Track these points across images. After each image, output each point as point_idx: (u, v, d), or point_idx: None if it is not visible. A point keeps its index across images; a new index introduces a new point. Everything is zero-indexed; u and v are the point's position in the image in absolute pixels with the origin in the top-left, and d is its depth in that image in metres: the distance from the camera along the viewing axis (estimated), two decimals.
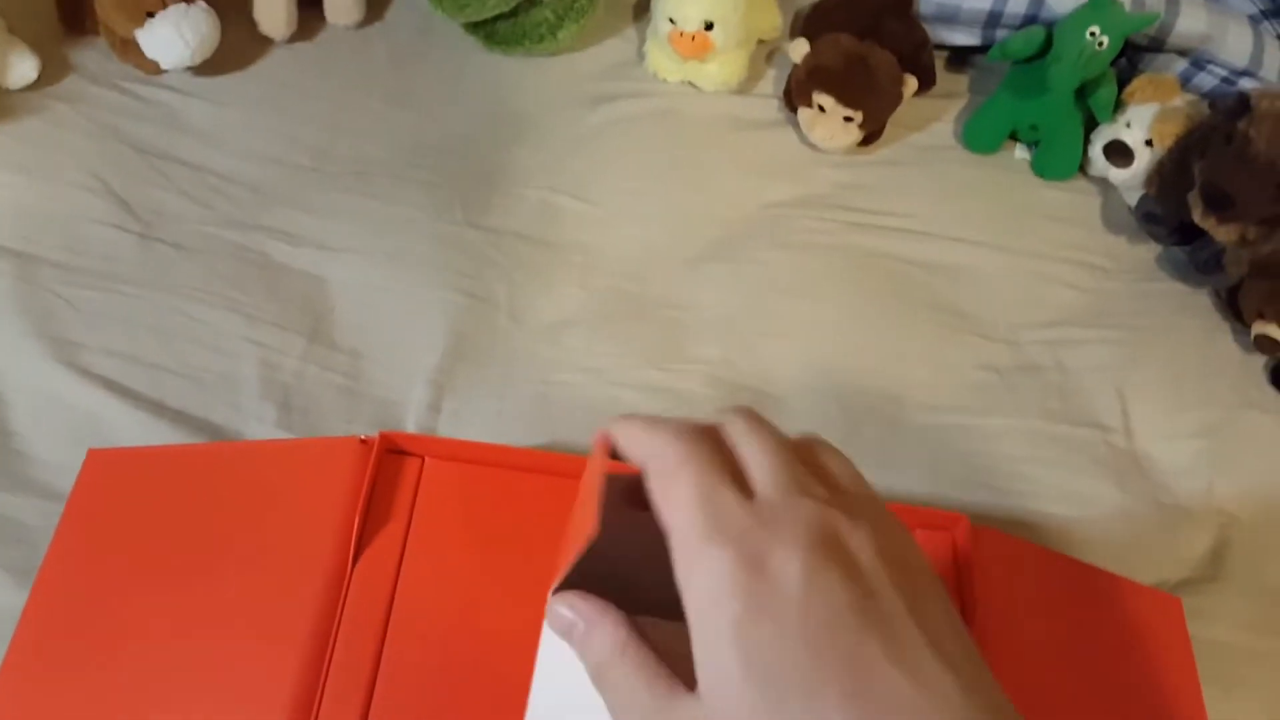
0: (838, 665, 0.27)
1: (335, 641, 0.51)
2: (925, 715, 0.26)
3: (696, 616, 0.29)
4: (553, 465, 0.59)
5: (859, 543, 0.29)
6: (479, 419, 0.70)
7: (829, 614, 0.27)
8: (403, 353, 0.72)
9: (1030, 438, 0.75)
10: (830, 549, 0.29)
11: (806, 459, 0.34)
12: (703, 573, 0.29)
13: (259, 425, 0.67)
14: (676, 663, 0.31)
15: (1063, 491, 0.72)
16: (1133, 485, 0.73)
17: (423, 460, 0.58)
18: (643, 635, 0.33)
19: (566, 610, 0.35)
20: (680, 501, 0.30)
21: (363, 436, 0.58)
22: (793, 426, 0.71)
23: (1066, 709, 0.57)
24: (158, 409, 0.66)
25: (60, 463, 0.63)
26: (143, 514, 0.57)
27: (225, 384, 0.68)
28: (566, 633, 0.34)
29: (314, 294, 0.74)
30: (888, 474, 0.71)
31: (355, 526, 0.54)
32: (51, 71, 0.81)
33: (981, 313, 0.81)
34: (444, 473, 0.58)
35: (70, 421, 0.65)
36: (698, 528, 0.29)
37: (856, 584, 0.28)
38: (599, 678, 0.32)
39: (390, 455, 0.58)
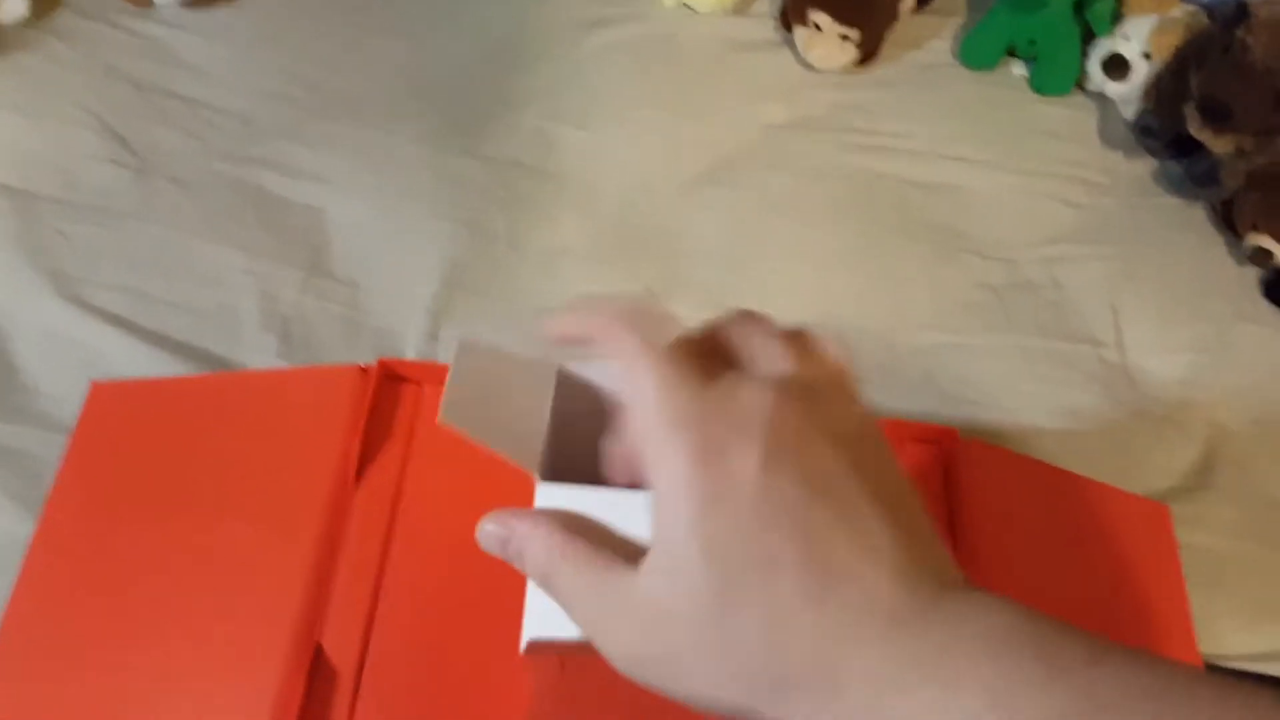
0: (792, 547, 0.28)
1: (338, 566, 0.53)
2: (874, 583, 0.28)
3: (659, 502, 0.30)
4: None
5: (818, 423, 0.30)
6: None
7: (784, 501, 0.28)
8: (401, 283, 0.73)
9: (1024, 354, 0.75)
10: (787, 437, 0.29)
11: (793, 342, 0.34)
12: (664, 460, 0.29)
13: (259, 356, 0.68)
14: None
15: (1054, 406, 0.73)
16: (1124, 398, 0.74)
17: (421, 387, 0.59)
18: (584, 526, 0.33)
19: (495, 527, 0.34)
20: (644, 389, 0.30)
21: (362, 365, 0.59)
22: None
23: (1053, 614, 0.58)
24: (159, 341, 0.67)
25: (63, 395, 0.64)
26: (147, 444, 0.58)
27: (225, 316, 0.69)
28: (501, 550, 0.34)
29: (311, 226, 0.74)
30: (883, 394, 0.72)
31: (355, 452, 0.55)
32: (43, 7, 0.81)
33: (979, 232, 0.81)
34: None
35: (73, 355, 0.66)
36: (662, 415, 0.30)
37: (812, 468, 0.29)
38: (546, 587, 0.32)
39: (389, 382, 0.59)
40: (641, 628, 0.29)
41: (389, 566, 0.53)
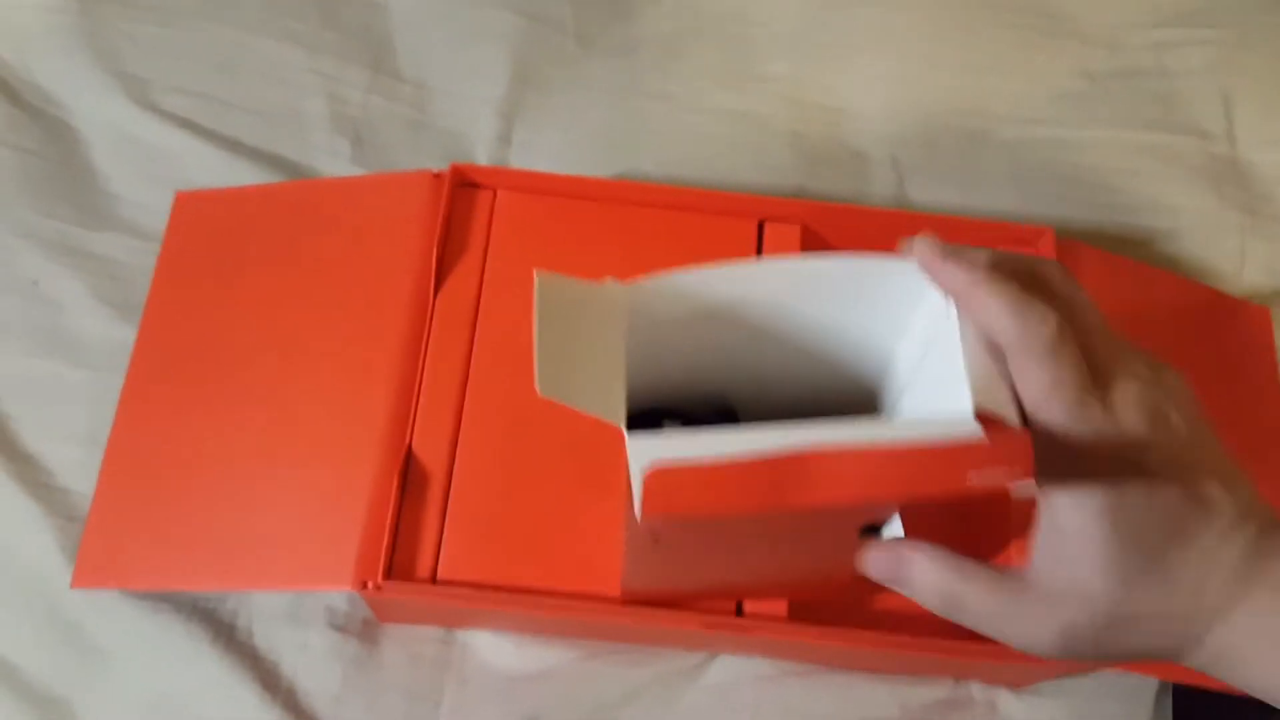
0: (1169, 515, 0.33)
1: (424, 369, 0.53)
2: (1222, 537, 0.33)
3: (1056, 504, 0.33)
4: (625, 194, 0.58)
5: (1175, 414, 0.34)
6: (550, 149, 0.69)
7: (1164, 468, 0.33)
8: (469, 83, 0.71)
9: (1126, 148, 0.71)
10: (1161, 425, 0.33)
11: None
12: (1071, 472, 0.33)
13: (332, 161, 0.67)
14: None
15: (1157, 203, 0.69)
16: (1231, 195, 0.70)
17: (495, 193, 0.58)
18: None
19: (885, 556, 0.38)
20: (1046, 391, 0.33)
21: (435, 170, 0.58)
22: (869, 143, 0.71)
23: None
24: (233, 146, 0.66)
25: (144, 201, 0.65)
26: (234, 253, 0.59)
27: (295, 119, 0.68)
28: (892, 575, 0.37)
29: (373, 22, 0.72)
30: (970, 192, 0.70)
31: (434, 259, 0.55)
32: None
33: (1079, 12, 0.75)
34: (517, 204, 0.58)
35: (150, 161, 0.66)
36: (1066, 424, 0.33)
37: (1175, 441, 0.34)
38: (949, 607, 0.36)
39: (463, 189, 0.58)
40: (1052, 614, 0.34)
41: (472, 372, 0.54)
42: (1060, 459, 0.32)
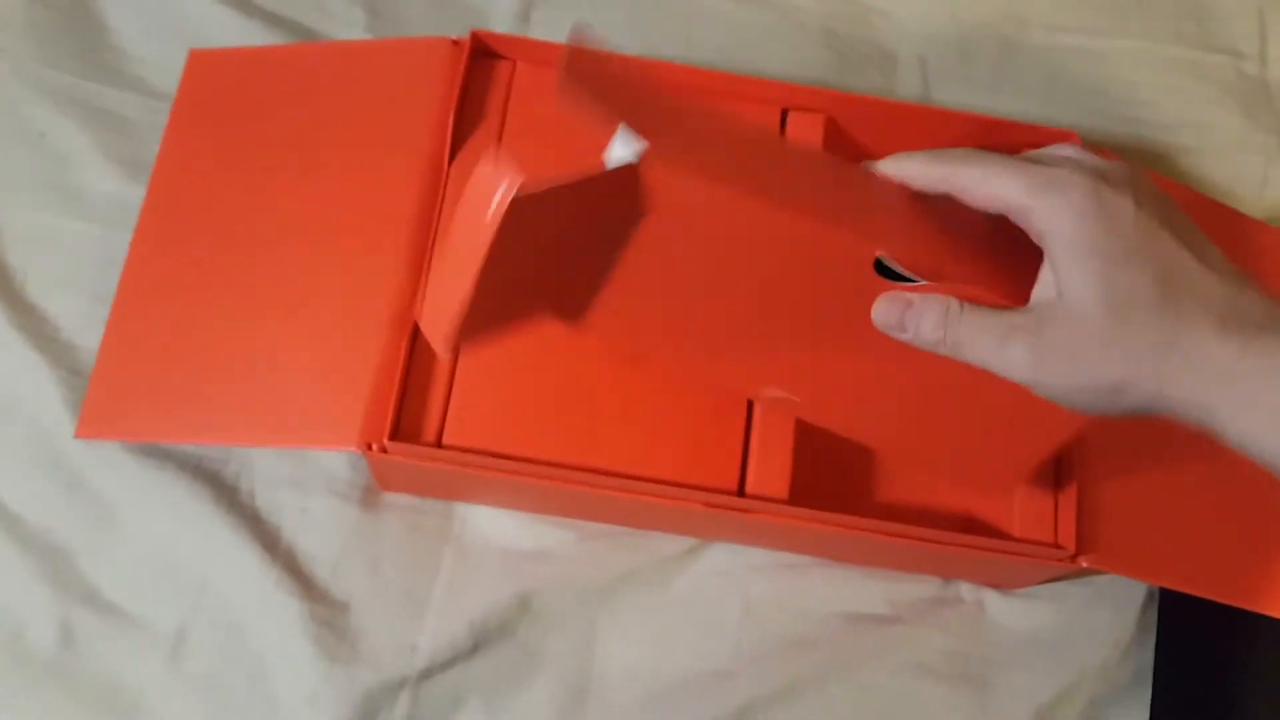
0: (1159, 256, 0.36)
1: (436, 236, 0.53)
2: (1218, 293, 0.35)
3: (1056, 248, 0.36)
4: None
5: (1157, 190, 0.38)
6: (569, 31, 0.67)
7: (1150, 229, 0.36)
8: None
9: (1156, 62, 0.70)
10: (1146, 192, 0.37)
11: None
12: (1057, 208, 0.36)
13: (348, 29, 0.66)
14: None
15: (1186, 120, 0.68)
16: (1261, 117, 0.69)
17: (515, 64, 0.57)
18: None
19: (890, 302, 0.41)
20: (1015, 181, 0.38)
21: (454, 38, 0.57)
22: (899, 42, 0.69)
23: None
24: (248, 8, 0.65)
25: (157, 60, 0.63)
26: (247, 113, 0.58)
27: None
28: (899, 320, 0.40)
29: None
30: (1000, 97, 0.69)
31: (449, 129, 0.54)
32: None
33: None
34: (537, 77, 0.57)
35: (161, 17, 0.64)
36: (1040, 186, 0.37)
37: (1163, 211, 0.37)
38: (948, 339, 0.39)
39: (482, 60, 0.57)
40: (1045, 343, 0.36)
41: None
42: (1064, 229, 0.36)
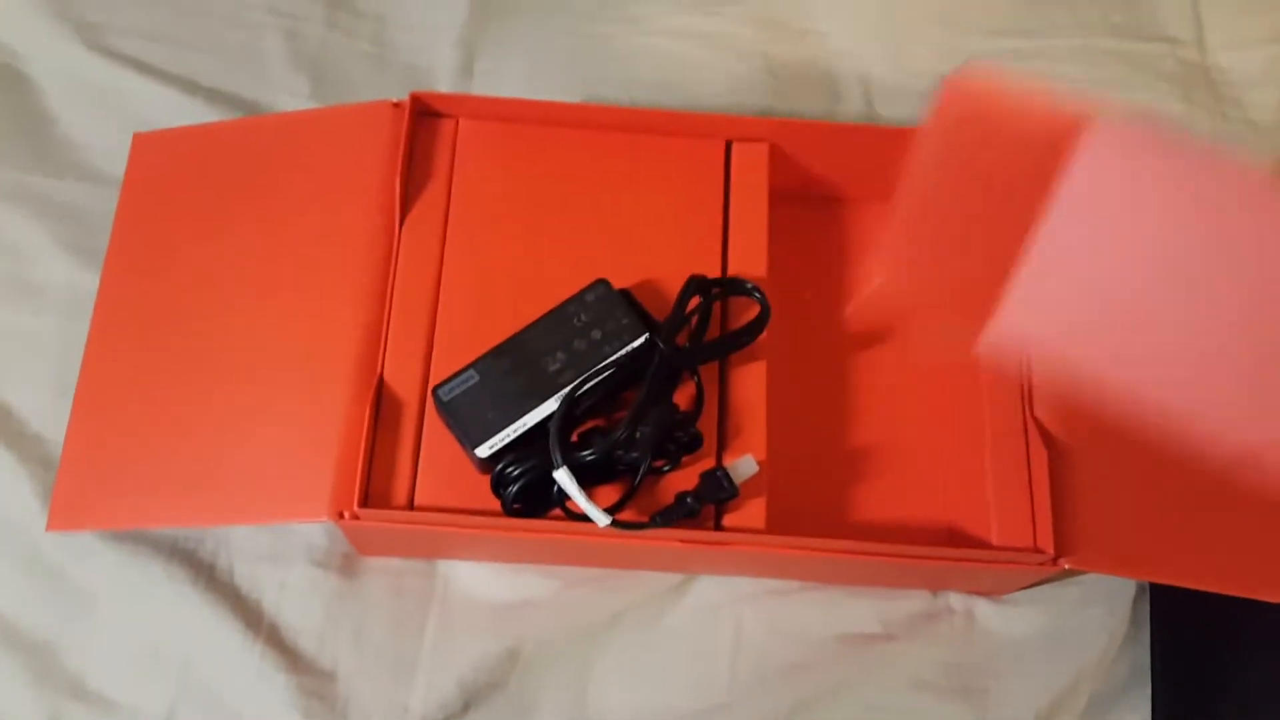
0: None
1: (392, 299, 0.53)
2: None
3: None
4: (590, 118, 0.58)
5: None
6: (513, 79, 0.68)
7: None
8: (428, 13, 0.69)
9: (1092, 57, 0.71)
10: None
11: None
12: None
13: (291, 99, 0.66)
14: None
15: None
16: (1201, 100, 0.70)
17: (457, 121, 0.57)
18: None
19: None
20: None
21: (395, 100, 0.57)
22: (842, 65, 0.70)
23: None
24: (190, 88, 0.65)
25: (104, 147, 0.64)
26: (194, 190, 0.58)
27: (252, 57, 0.67)
28: None
29: None
30: None
31: (398, 186, 0.54)
32: None
33: None
34: (480, 131, 0.57)
35: (106, 105, 0.65)
36: None
37: None
38: None
39: (425, 118, 0.57)
40: None
41: (442, 299, 0.53)
42: None
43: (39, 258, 0.61)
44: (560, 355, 0.50)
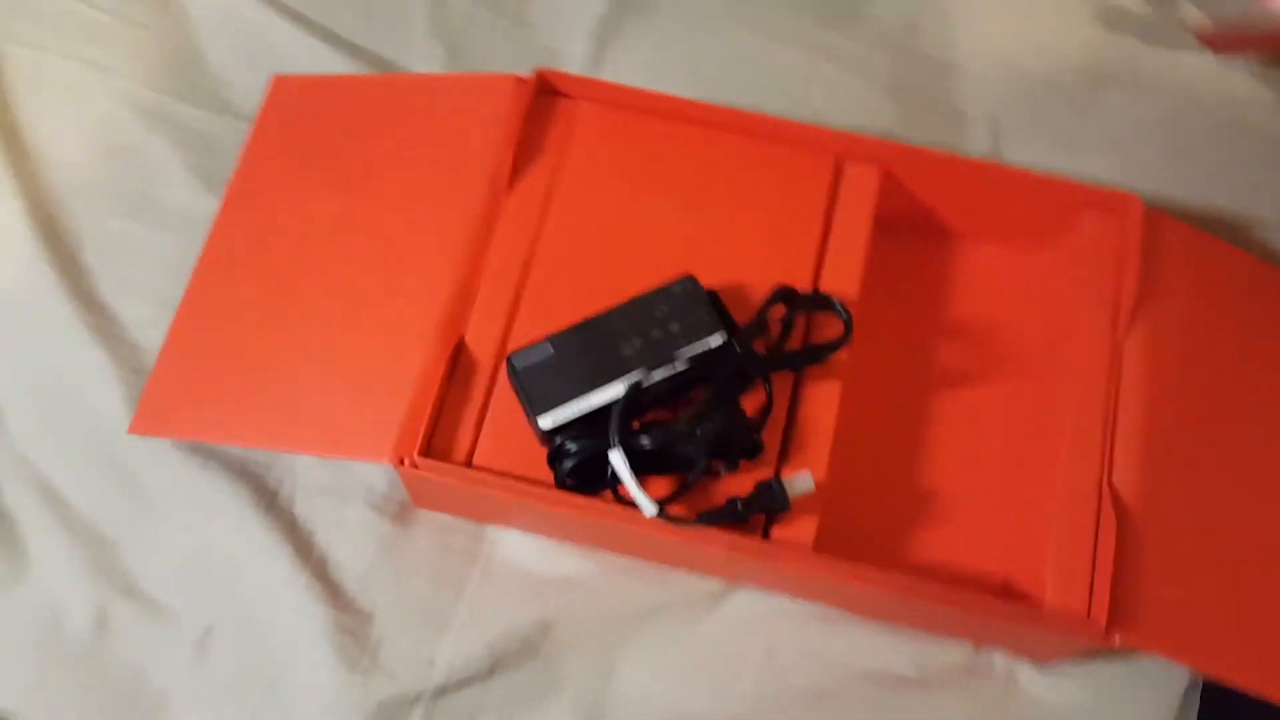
0: None
1: (487, 264, 0.54)
2: None
3: None
4: (706, 116, 0.58)
5: None
6: (640, 74, 0.69)
7: None
8: (570, 0, 0.71)
9: (1237, 126, 0.68)
10: None
11: None
12: None
13: (426, 63, 0.68)
14: None
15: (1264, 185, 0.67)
16: None
17: (578, 102, 0.59)
18: None
19: None
20: None
21: (520, 75, 0.58)
22: (974, 102, 0.69)
23: (1232, 408, 0.55)
24: (333, 39, 0.68)
25: (243, 84, 0.67)
26: (320, 137, 0.60)
27: (397, 20, 0.69)
28: None
29: None
30: (1074, 156, 0.67)
31: (508, 161, 0.56)
32: None
33: None
34: (598, 116, 0.58)
35: (252, 45, 0.68)
36: None
37: None
38: None
39: (547, 97, 0.59)
40: None
41: (533, 272, 0.54)
42: None
43: (169, 179, 0.64)
44: (636, 342, 0.50)
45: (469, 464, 0.51)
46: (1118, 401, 0.53)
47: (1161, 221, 0.57)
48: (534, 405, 0.49)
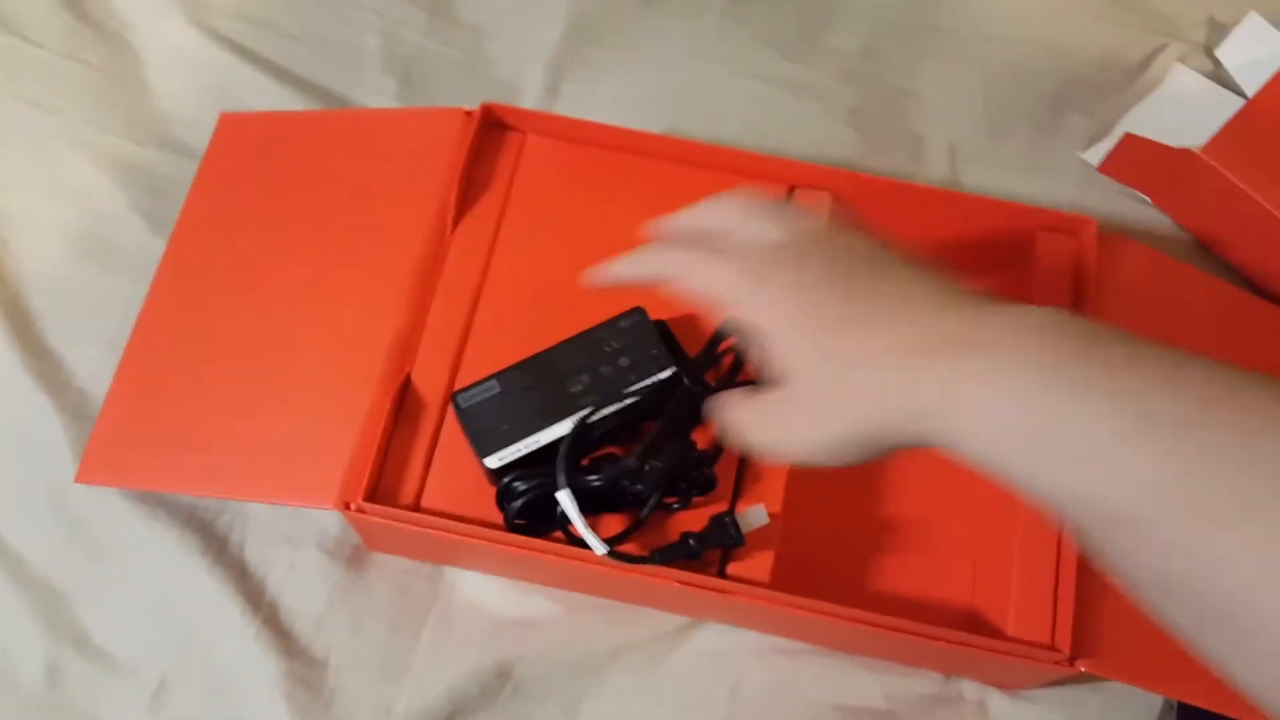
0: (859, 300, 0.37)
1: (433, 302, 0.53)
2: (925, 309, 0.36)
3: (764, 325, 0.38)
4: (654, 148, 0.57)
5: (844, 238, 0.40)
6: (596, 106, 0.69)
7: (844, 273, 0.38)
8: (525, 32, 0.70)
9: None
10: (825, 243, 0.39)
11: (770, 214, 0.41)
12: (753, 301, 0.38)
13: (379, 98, 0.68)
14: None
15: None
16: None
17: (525, 135, 0.58)
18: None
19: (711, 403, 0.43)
20: (713, 278, 0.40)
21: (467, 109, 0.58)
22: (932, 128, 0.68)
23: None
24: (282, 75, 0.67)
25: (191, 120, 0.66)
26: (267, 173, 0.60)
27: (348, 54, 0.69)
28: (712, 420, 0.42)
29: None
30: (1033, 179, 0.67)
31: (454, 194, 0.55)
32: None
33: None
34: (545, 149, 0.58)
35: (200, 81, 0.67)
36: (736, 285, 0.39)
37: (854, 255, 0.39)
38: (733, 428, 0.41)
39: (494, 129, 0.58)
40: (795, 414, 0.38)
41: (480, 310, 0.54)
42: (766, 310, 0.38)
43: (118, 221, 0.63)
44: (584, 378, 0.50)
45: (417, 507, 0.50)
46: None
47: (1118, 243, 0.57)
48: (481, 445, 0.48)
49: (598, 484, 0.47)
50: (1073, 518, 0.32)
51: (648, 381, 0.49)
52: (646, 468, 0.47)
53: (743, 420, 0.40)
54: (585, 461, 0.49)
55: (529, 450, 0.48)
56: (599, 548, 0.46)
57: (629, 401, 0.49)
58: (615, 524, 0.49)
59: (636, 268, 0.43)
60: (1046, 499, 0.32)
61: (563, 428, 0.48)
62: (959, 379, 0.32)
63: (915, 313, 0.36)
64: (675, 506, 0.49)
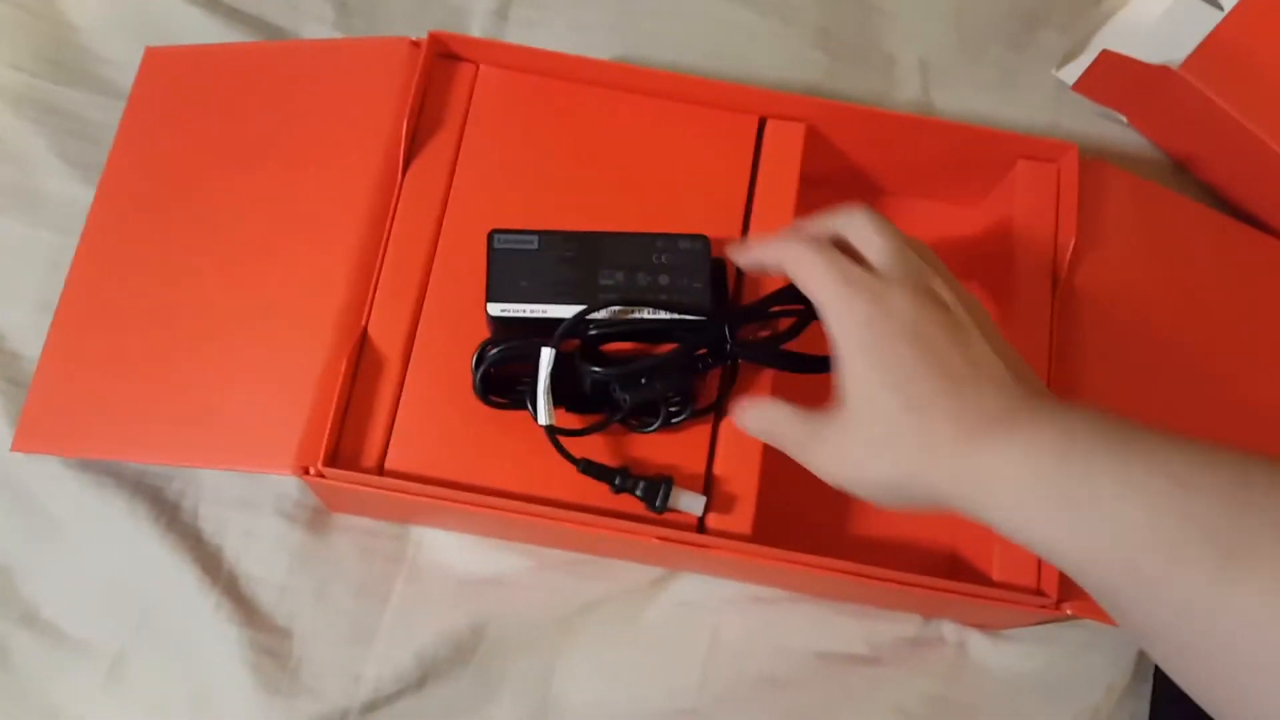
0: (934, 363, 0.39)
1: (386, 248, 0.50)
2: (984, 390, 0.38)
3: (845, 344, 0.40)
4: (617, 78, 0.54)
5: (945, 292, 0.41)
6: (550, 29, 0.65)
7: (931, 330, 0.39)
8: None
9: None
10: (927, 293, 0.40)
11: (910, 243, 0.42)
12: (846, 313, 0.39)
13: (317, 25, 0.63)
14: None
15: None
16: None
17: (478, 66, 0.54)
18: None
19: (735, 405, 0.47)
20: (820, 276, 0.40)
21: (413, 39, 0.54)
22: (903, 47, 0.65)
23: (1165, 351, 0.53)
24: (213, 6, 0.62)
25: (119, 59, 0.61)
26: (200, 111, 0.55)
27: None
28: (738, 421, 0.46)
29: None
30: (1007, 97, 0.65)
31: (404, 132, 0.51)
32: None
33: None
34: (500, 80, 0.54)
35: (127, 16, 0.62)
36: (837, 287, 0.40)
37: (946, 313, 0.40)
38: (770, 436, 0.44)
39: (444, 60, 0.54)
40: (844, 444, 0.40)
41: (439, 256, 0.50)
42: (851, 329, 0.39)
43: (40, 168, 0.59)
44: (619, 275, 0.47)
45: (380, 470, 0.47)
46: (1060, 355, 0.51)
47: (1099, 168, 0.55)
48: (491, 289, 0.47)
49: (590, 374, 0.46)
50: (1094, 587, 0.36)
51: (674, 314, 0.46)
52: (643, 381, 0.46)
53: (786, 434, 0.43)
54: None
55: (531, 315, 0.47)
56: (544, 417, 0.45)
57: (644, 325, 0.47)
58: (575, 422, 0.48)
59: (767, 252, 0.44)
60: (1064, 570, 0.36)
61: (571, 310, 0.46)
62: (993, 473, 0.36)
63: (975, 386, 0.38)
64: (640, 428, 0.48)
